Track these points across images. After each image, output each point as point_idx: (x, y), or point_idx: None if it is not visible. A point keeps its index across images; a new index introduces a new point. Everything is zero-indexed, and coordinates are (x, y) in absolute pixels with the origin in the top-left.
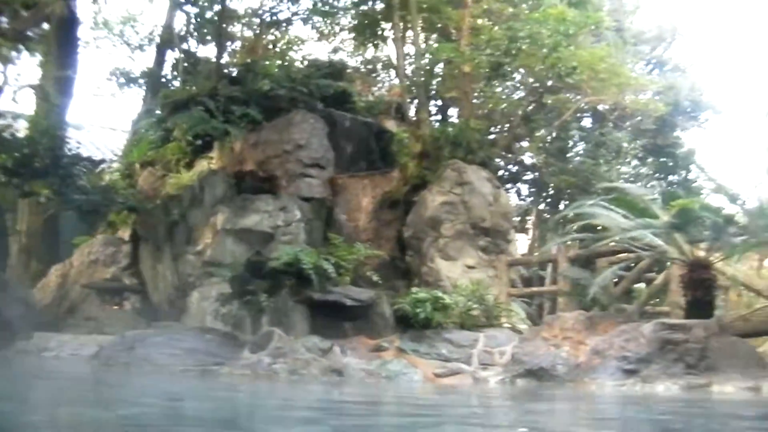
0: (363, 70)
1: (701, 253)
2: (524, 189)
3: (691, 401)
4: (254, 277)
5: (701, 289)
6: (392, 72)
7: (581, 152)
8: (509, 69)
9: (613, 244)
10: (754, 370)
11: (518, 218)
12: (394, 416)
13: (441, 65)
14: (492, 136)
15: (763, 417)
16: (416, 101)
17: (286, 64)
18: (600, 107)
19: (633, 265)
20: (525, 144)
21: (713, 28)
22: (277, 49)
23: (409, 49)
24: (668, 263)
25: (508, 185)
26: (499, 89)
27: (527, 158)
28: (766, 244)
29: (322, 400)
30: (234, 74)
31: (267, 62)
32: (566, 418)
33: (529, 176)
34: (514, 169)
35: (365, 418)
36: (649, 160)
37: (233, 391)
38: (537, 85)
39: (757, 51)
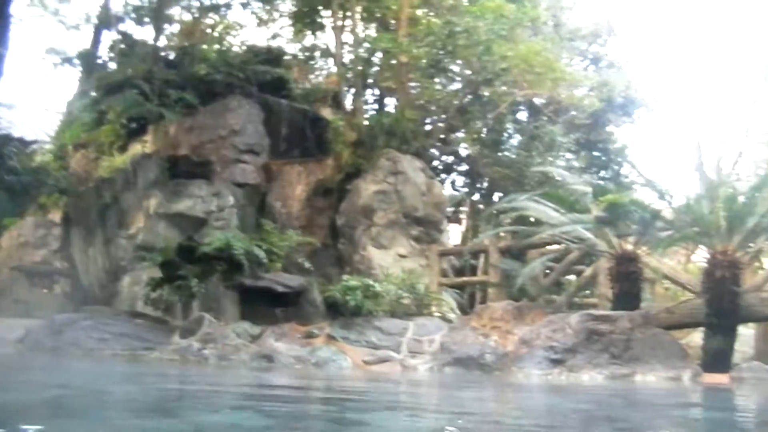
0: (301, 57)
1: (629, 247)
2: (459, 180)
3: (614, 390)
4: (185, 262)
5: (628, 282)
6: (330, 60)
7: (516, 145)
8: (446, 63)
9: (544, 236)
10: (675, 360)
11: (452, 208)
12: (320, 402)
13: (379, 55)
14: (428, 127)
15: (681, 405)
16: (353, 90)
17: (224, 49)
18: (536, 101)
19: (563, 257)
20: (460, 135)
21: (648, 26)
22: (216, 34)
23: (348, 37)
24: (597, 256)
25: (443, 176)
26: (436, 80)
27: (463, 149)
28: (690, 238)
29: (249, 385)
30: (171, 58)
31: (204, 46)
32: (493, 405)
33: (464, 167)
34: (450, 159)
35: (292, 404)
36: (582, 154)
37: (161, 376)
38: (474, 77)
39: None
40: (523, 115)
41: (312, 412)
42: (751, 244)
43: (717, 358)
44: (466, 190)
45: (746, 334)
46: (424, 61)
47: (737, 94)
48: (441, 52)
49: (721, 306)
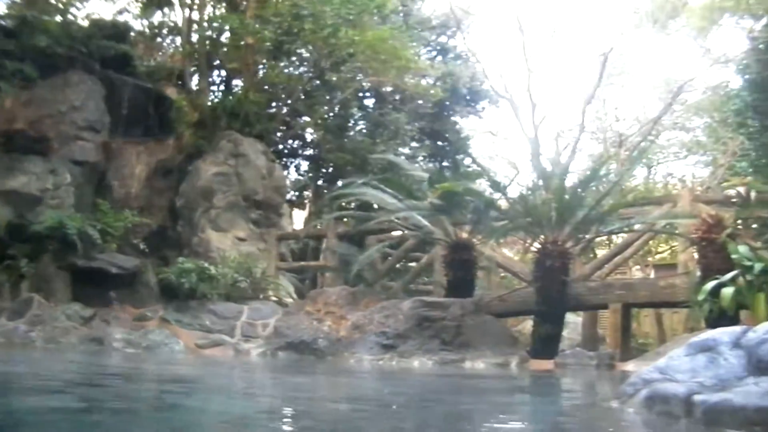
0: (148, 33)
1: (464, 235)
2: (304, 165)
3: (442, 375)
4: (15, 241)
5: (462, 270)
6: (178, 39)
7: (361, 131)
8: (293, 46)
9: (381, 222)
10: (504, 347)
11: (296, 193)
12: (143, 385)
13: (228, 35)
14: (273, 110)
15: (505, 390)
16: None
17: (67, 21)
18: (382, 88)
19: (401, 244)
20: (306, 120)
21: (495, 20)
22: (59, 5)
23: (197, 16)
24: (434, 244)
25: (289, 160)
26: (282, 64)
27: (309, 134)
28: (522, 228)
29: (74, 369)
30: (9, 27)
31: (46, 17)
32: (317, 390)
33: (309, 152)
34: (295, 144)
35: (113, 388)
36: (426, 142)
37: None
38: (320, 62)
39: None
40: (369, 102)
41: (132, 395)
42: (581, 236)
43: (545, 345)
44: (311, 175)
45: (575, 321)
46: (269, 43)
47: (576, 91)
48: (287, 35)
49: (551, 294)
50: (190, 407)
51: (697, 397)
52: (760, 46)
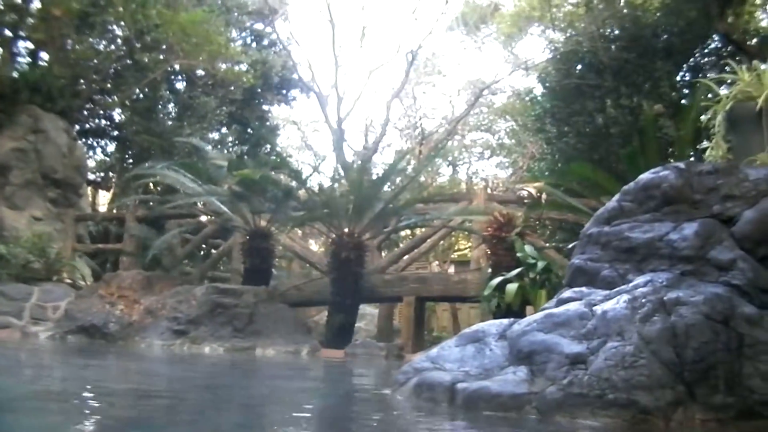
0: None
1: (263, 223)
2: (112, 146)
3: (230, 361)
4: None
5: (259, 258)
6: None
7: (169, 114)
8: (98, 20)
9: (181, 207)
10: (297, 335)
11: (102, 174)
12: None
13: (38, 5)
14: (80, 88)
15: (285, 377)
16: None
17: None
18: (194, 72)
19: (201, 229)
20: (115, 99)
21: (310, 11)
22: None
23: None
24: (233, 230)
25: (95, 140)
26: (91, 39)
27: (117, 115)
28: (320, 219)
29: None
30: None
31: None
32: (100, 372)
33: (116, 133)
34: (103, 123)
35: None
36: (234, 128)
37: None
38: (131, 40)
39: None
40: (181, 86)
41: None
42: (379, 229)
43: (338, 335)
44: (117, 156)
45: (372, 313)
46: (76, 17)
47: (385, 87)
48: (94, 7)
49: (345, 285)
50: None
51: (459, 385)
52: (558, 56)
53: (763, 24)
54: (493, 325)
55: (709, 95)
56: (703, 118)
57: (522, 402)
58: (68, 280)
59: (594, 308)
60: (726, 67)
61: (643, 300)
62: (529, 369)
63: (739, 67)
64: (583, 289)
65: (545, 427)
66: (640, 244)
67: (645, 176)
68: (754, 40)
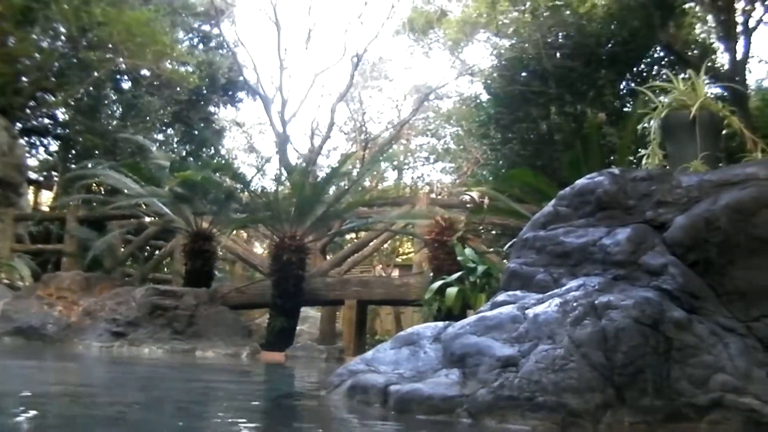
0: None
1: (205, 225)
2: (55, 145)
3: (167, 363)
4: None
5: (201, 260)
6: None
7: (113, 114)
8: (40, 15)
9: (123, 208)
10: (237, 338)
11: (44, 173)
12: None
13: None
14: (22, 85)
15: (220, 380)
16: None
17: None
18: (139, 71)
19: (143, 230)
20: (58, 98)
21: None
22: None
23: None
24: (175, 232)
25: (37, 138)
26: (34, 36)
27: (60, 113)
28: (261, 221)
29: None
30: None
31: None
32: (28, 373)
33: (59, 132)
34: (45, 122)
35: None
36: (179, 128)
37: None
38: (75, 37)
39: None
40: (126, 86)
41: None
42: (322, 232)
43: (278, 338)
44: (60, 155)
45: (315, 316)
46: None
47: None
48: (36, 2)
49: (286, 288)
50: None
51: (392, 387)
52: (504, 62)
53: (703, 35)
54: (428, 327)
55: (649, 104)
56: (641, 126)
57: (453, 404)
58: (6, 281)
59: (526, 312)
60: (664, 76)
61: (575, 304)
62: (461, 372)
63: (674, 77)
64: (517, 292)
65: (475, 430)
66: (574, 249)
67: (580, 182)
68: (695, 51)
